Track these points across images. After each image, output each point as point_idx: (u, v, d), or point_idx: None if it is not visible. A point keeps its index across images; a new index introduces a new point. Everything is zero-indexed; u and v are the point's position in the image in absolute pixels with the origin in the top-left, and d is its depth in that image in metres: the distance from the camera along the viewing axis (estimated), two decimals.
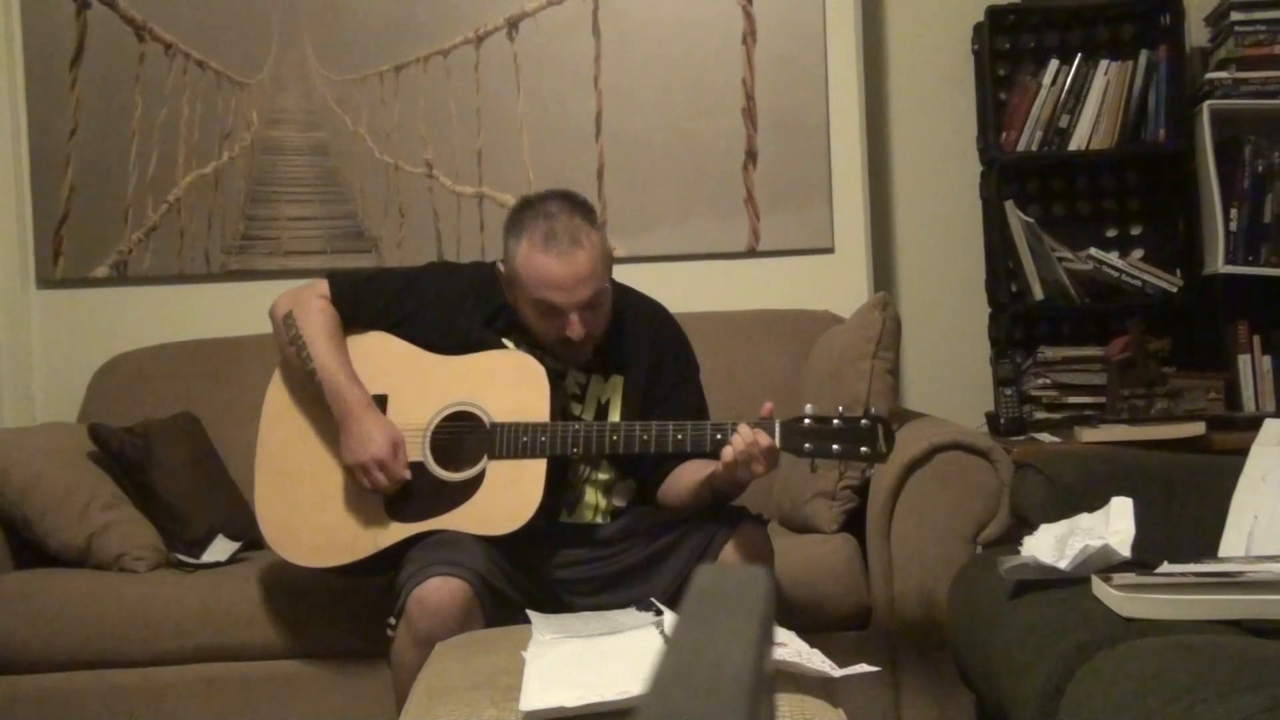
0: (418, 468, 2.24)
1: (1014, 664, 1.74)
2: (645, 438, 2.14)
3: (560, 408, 2.27)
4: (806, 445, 2.06)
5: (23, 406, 3.30)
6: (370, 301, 2.35)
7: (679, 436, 2.12)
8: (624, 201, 3.30)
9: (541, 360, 2.25)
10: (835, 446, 2.06)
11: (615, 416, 2.30)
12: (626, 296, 2.39)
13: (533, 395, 2.21)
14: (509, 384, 2.23)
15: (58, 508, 2.66)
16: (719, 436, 2.09)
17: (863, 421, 2.07)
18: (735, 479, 2.10)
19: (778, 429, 2.07)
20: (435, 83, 3.37)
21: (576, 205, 2.23)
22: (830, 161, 3.32)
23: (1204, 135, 3.25)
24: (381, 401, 2.29)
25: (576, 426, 2.20)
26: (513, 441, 2.18)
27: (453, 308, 2.33)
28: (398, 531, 2.21)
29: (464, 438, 2.24)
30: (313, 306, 2.32)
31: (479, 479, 2.20)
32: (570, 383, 2.31)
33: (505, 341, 2.30)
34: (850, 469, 2.43)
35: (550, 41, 3.36)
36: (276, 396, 2.37)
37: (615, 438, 2.16)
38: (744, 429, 2.05)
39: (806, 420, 2.07)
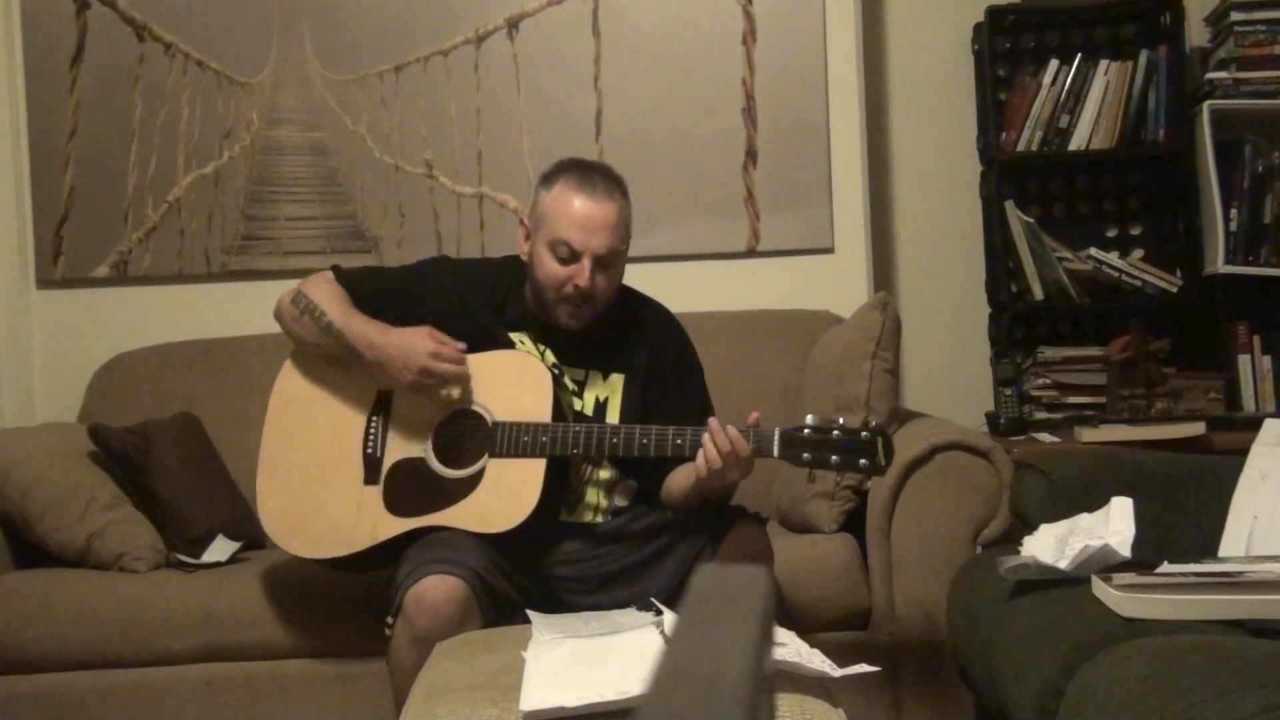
0: (419, 463, 2.25)
1: (1014, 664, 1.74)
2: (645, 440, 2.15)
3: (564, 405, 2.27)
4: (805, 455, 2.07)
5: (23, 406, 3.30)
6: (374, 294, 2.35)
7: (678, 440, 2.13)
8: None
9: (543, 357, 2.26)
10: (834, 458, 2.07)
11: (613, 415, 2.30)
12: (631, 298, 2.40)
13: (535, 396, 2.21)
14: (512, 384, 2.24)
15: (58, 508, 2.66)
16: None
17: (863, 434, 2.07)
18: (720, 478, 2.10)
19: (776, 438, 2.07)
20: (435, 83, 3.37)
21: (614, 175, 2.32)
22: (830, 161, 3.32)
23: (1204, 135, 3.25)
24: (386, 397, 2.30)
25: (577, 428, 2.20)
26: (514, 440, 2.19)
27: (458, 301, 2.33)
28: (396, 525, 2.22)
29: (466, 435, 2.25)
30: (321, 281, 2.36)
31: (479, 476, 2.20)
32: (567, 379, 2.31)
33: (513, 337, 2.31)
34: (848, 478, 2.43)
35: (550, 41, 3.36)
36: (284, 389, 2.38)
37: (615, 440, 2.17)
38: (718, 431, 2.06)
39: (806, 430, 2.07)
